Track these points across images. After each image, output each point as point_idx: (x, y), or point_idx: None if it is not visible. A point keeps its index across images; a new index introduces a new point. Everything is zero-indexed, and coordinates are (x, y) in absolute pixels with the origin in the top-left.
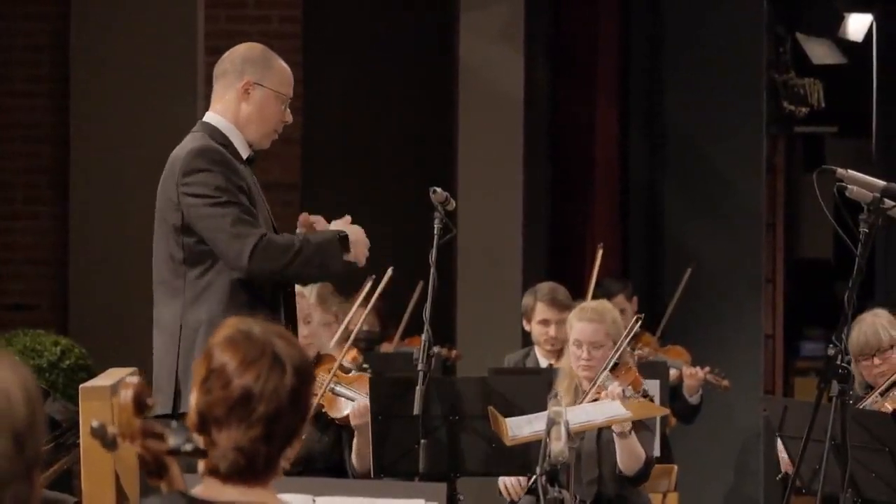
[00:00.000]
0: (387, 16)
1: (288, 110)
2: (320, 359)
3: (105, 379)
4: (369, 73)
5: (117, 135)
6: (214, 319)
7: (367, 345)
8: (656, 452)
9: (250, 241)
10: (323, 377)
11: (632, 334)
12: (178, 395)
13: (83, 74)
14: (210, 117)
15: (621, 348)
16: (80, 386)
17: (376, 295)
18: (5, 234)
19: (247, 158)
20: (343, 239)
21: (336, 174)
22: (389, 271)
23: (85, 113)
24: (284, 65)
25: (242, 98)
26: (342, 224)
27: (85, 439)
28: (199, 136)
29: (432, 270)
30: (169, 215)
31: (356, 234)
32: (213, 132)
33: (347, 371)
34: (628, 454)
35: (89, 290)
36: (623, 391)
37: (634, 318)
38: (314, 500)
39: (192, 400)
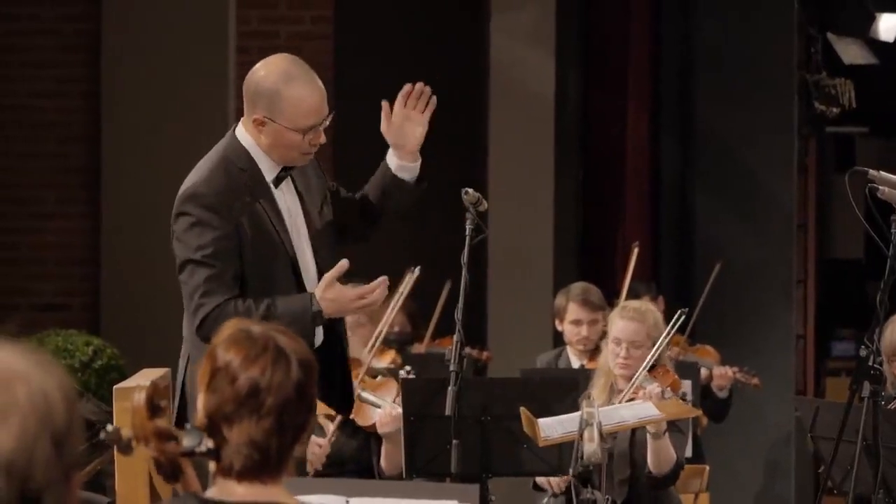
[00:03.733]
0: (418, 17)
1: (319, 132)
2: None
3: (139, 379)
4: (401, 74)
5: (149, 135)
6: None
7: (398, 346)
8: (688, 453)
9: (201, 313)
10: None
11: (672, 332)
12: (180, 419)
13: (115, 75)
14: (240, 133)
15: (661, 347)
16: (115, 387)
17: (403, 296)
18: (37, 234)
19: (276, 176)
20: (318, 312)
21: (368, 176)
22: (417, 270)
23: (116, 113)
24: (302, 92)
25: (258, 129)
26: (323, 286)
27: None
28: (210, 162)
29: (464, 271)
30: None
31: (334, 302)
32: (237, 153)
33: (374, 376)
34: (660, 455)
35: (121, 290)
36: (662, 392)
37: (678, 313)
38: (347, 501)
39: (200, 403)
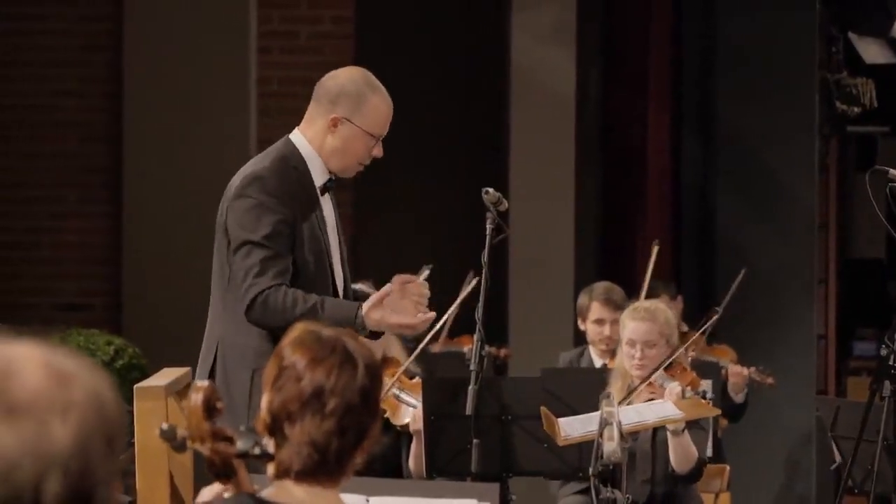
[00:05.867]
0: (439, 16)
1: (379, 145)
2: (385, 362)
3: (159, 379)
4: (421, 74)
5: (170, 135)
6: (247, 346)
7: (416, 344)
8: (708, 453)
9: (252, 293)
10: (386, 381)
11: (705, 331)
12: None
13: (136, 75)
14: (296, 137)
15: (686, 348)
16: (135, 386)
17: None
18: (59, 233)
19: (324, 184)
20: (361, 327)
21: (388, 174)
22: (473, 280)
23: (138, 113)
24: (383, 101)
25: (330, 131)
26: (371, 303)
27: (141, 439)
28: (269, 157)
29: (485, 271)
30: (222, 229)
31: (378, 323)
32: (292, 154)
33: (412, 377)
34: (681, 453)
35: (143, 289)
36: (682, 391)
37: (711, 311)
38: (367, 500)
39: (264, 401)
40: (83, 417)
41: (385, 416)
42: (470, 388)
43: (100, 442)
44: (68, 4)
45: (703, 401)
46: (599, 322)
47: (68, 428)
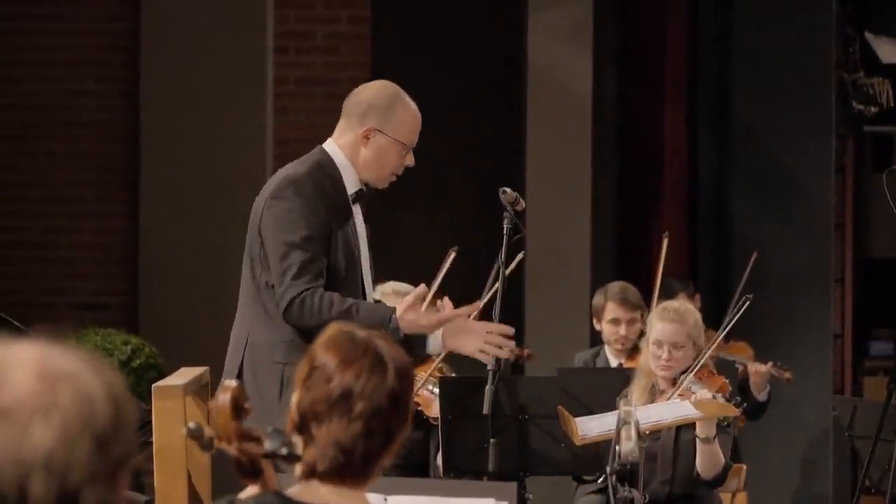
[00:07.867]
0: (456, 16)
1: (410, 155)
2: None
3: (177, 378)
4: (438, 74)
5: (187, 134)
6: (276, 342)
7: None
8: None
9: (290, 294)
10: (421, 376)
11: (734, 319)
12: None
13: (154, 74)
14: (329, 147)
15: (710, 350)
16: (153, 385)
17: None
18: (76, 233)
19: (356, 192)
20: (395, 330)
21: (406, 175)
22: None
23: (155, 113)
24: (412, 111)
25: (362, 143)
26: (405, 306)
27: (159, 438)
28: (305, 162)
29: (502, 270)
30: (256, 229)
31: (411, 324)
32: (326, 162)
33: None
34: (709, 459)
35: (159, 289)
36: (713, 397)
37: (743, 299)
38: (385, 500)
39: (294, 399)
40: (67, 419)
41: (419, 409)
42: (487, 387)
43: (87, 444)
44: (85, 4)
45: (721, 400)
46: (615, 322)
47: (50, 430)
